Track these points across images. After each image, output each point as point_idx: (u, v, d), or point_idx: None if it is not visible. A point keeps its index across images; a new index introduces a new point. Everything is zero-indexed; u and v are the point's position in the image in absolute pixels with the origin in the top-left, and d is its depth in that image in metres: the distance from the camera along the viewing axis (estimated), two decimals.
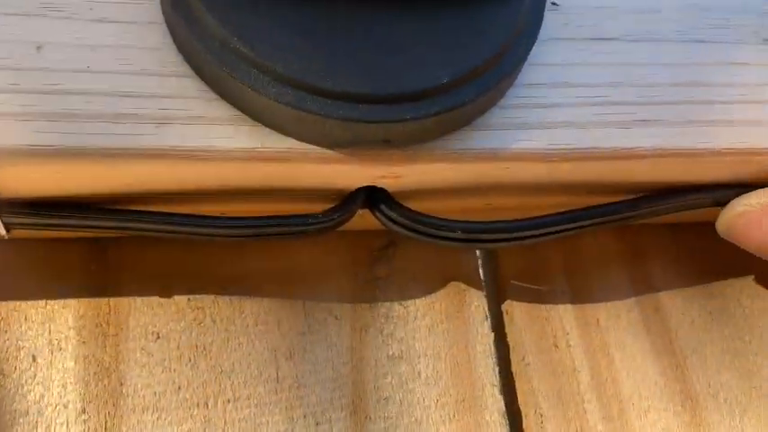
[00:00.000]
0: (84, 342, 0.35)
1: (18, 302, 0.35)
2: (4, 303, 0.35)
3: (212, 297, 0.37)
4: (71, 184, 0.32)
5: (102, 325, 0.36)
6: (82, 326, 0.35)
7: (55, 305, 0.36)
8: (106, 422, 0.34)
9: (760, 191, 0.38)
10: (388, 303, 0.39)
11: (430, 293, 0.39)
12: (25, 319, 0.35)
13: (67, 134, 0.30)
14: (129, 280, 0.37)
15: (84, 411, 0.34)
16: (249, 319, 0.37)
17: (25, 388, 0.34)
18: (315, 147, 0.32)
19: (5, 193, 0.32)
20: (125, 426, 0.34)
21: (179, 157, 0.31)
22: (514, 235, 0.37)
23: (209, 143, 0.31)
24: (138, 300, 0.36)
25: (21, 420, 0.33)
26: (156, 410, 0.34)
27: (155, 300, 0.37)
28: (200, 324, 0.36)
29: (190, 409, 0.35)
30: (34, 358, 0.34)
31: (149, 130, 0.31)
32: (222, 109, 0.31)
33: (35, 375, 0.34)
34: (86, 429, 0.33)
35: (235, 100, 0.31)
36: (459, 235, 0.36)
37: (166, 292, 0.37)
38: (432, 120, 0.32)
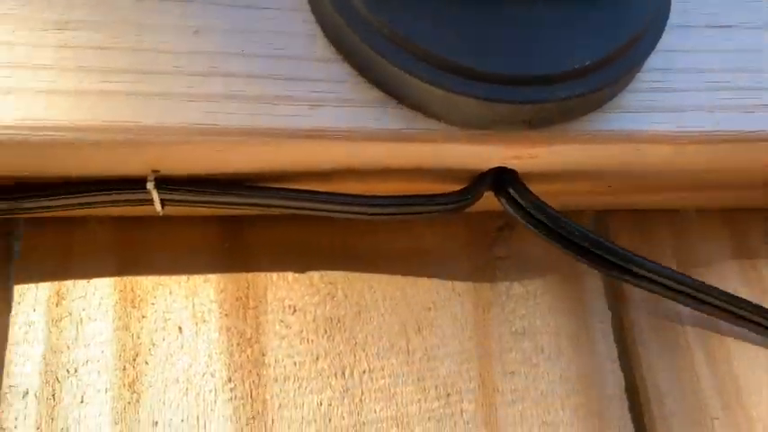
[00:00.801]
0: (226, 314, 0.37)
1: (162, 277, 0.37)
2: (150, 278, 0.37)
3: (343, 273, 0.39)
4: (227, 162, 0.33)
5: (242, 298, 0.37)
6: (223, 299, 0.37)
7: (197, 280, 0.37)
8: (251, 390, 0.35)
9: None
10: (507, 282, 0.40)
11: (548, 273, 0.41)
12: (170, 293, 0.37)
13: (231, 114, 0.32)
14: (265, 256, 0.38)
15: (230, 380, 0.35)
16: (378, 294, 0.38)
17: (174, 357, 0.36)
18: (457, 128, 0.33)
19: (165, 170, 0.33)
20: (268, 394, 0.36)
21: (332, 137, 0.32)
22: (637, 271, 0.37)
23: (360, 124, 0.32)
24: (274, 275, 0.38)
25: (172, 387, 0.35)
26: (297, 379, 0.36)
27: (290, 275, 0.38)
28: (333, 298, 0.38)
29: (328, 378, 0.36)
30: (180, 329, 0.36)
31: (304, 111, 0.32)
32: (370, 92, 0.33)
33: (182, 346, 0.36)
34: (233, 397, 0.35)
35: (383, 83, 0.33)
36: (577, 239, 0.36)
37: (300, 267, 0.38)
38: (572, 102, 0.33)
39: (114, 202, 0.34)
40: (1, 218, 0.36)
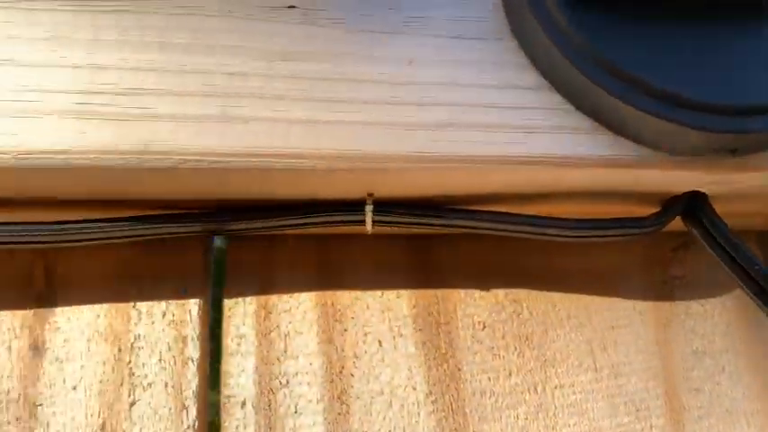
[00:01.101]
0: (420, 329, 0.38)
1: (359, 292, 0.39)
2: (348, 293, 0.39)
3: (525, 291, 0.40)
4: (440, 186, 0.35)
5: (433, 314, 0.39)
6: (416, 314, 0.39)
7: (390, 295, 0.39)
8: (451, 404, 0.37)
9: None
10: (685, 301, 0.41)
11: (724, 292, 0.41)
12: (367, 307, 0.39)
13: (451, 142, 0.33)
14: (452, 274, 0.40)
15: (430, 393, 0.37)
16: (562, 312, 0.40)
17: (377, 370, 0.37)
18: (665, 154, 0.34)
19: (379, 194, 0.35)
20: (468, 407, 0.37)
21: (546, 163, 0.33)
22: None
23: (574, 151, 0.34)
24: (462, 292, 0.39)
25: (378, 399, 0.37)
26: (493, 394, 0.37)
27: (476, 293, 0.40)
28: (518, 316, 0.39)
29: (522, 393, 0.38)
30: (380, 343, 0.38)
31: (519, 138, 0.34)
32: (581, 120, 0.34)
33: (383, 359, 0.38)
34: (435, 410, 0.37)
35: (594, 110, 0.34)
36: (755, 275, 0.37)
37: (485, 285, 0.40)
38: None
39: (327, 223, 0.36)
40: (208, 236, 0.38)
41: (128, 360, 0.36)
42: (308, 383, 0.37)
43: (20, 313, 0.36)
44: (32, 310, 0.37)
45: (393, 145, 0.33)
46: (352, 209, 0.35)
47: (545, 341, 0.39)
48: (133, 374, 0.36)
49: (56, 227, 0.34)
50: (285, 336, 0.38)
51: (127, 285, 0.37)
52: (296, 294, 0.38)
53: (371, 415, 0.36)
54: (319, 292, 0.39)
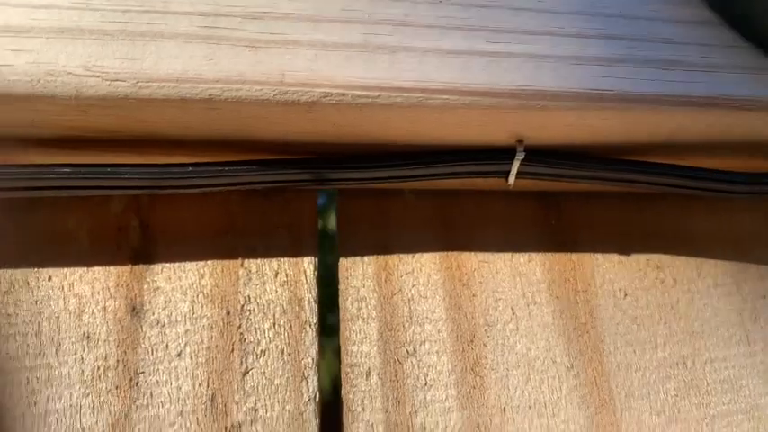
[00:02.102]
0: (556, 297, 0.35)
1: (486, 254, 0.35)
2: (474, 254, 0.35)
3: (668, 256, 0.36)
4: (594, 132, 0.31)
5: (569, 280, 0.35)
6: (551, 280, 0.35)
7: (520, 258, 0.35)
8: (595, 378, 0.33)
9: None
10: None
11: None
12: (496, 271, 0.35)
13: (621, 79, 0.29)
14: (587, 235, 0.36)
15: (572, 367, 0.33)
16: (708, 280, 0.36)
17: (511, 340, 0.34)
18: None
19: (530, 141, 0.31)
20: (613, 382, 0.33)
21: (726, 106, 0.30)
22: None
23: (757, 93, 0.30)
24: (599, 256, 0.36)
25: (514, 372, 0.33)
26: (639, 368, 0.34)
27: (614, 256, 0.36)
28: (662, 283, 0.36)
29: (670, 368, 0.34)
30: (513, 311, 0.34)
31: (699, 77, 0.30)
32: (762, 60, 0.30)
33: (517, 328, 0.34)
34: (578, 384, 0.33)
35: None
36: None
37: (624, 248, 0.36)
38: None
39: (465, 174, 0.32)
40: (321, 187, 0.34)
41: (238, 324, 0.32)
42: (437, 352, 0.33)
43: (114, 271, 0.32)
44: (128, 267, 0.32)
45: (557, 81, 0.29)
46: (498, 157, 0.31)
47: (691, 311, 0.35)
48: (244, 340, 0.32)
49: (157, 170, 0.30)
50: (409, 300, 0.34)
51: (233, 241, 0.33)
52: (417, 255, 0.34)
53: (508, 389, 0.33)
54: (442, 253, 0.35)
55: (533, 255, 0.35)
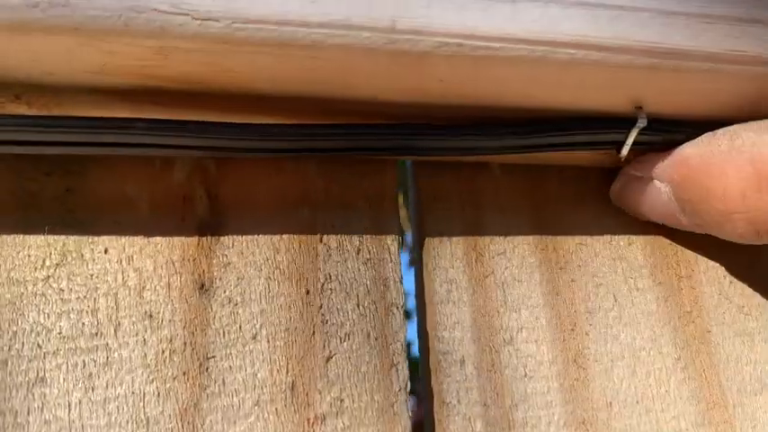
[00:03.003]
0: (660, 283, 0.32)
1: (584, 236, 0.32)
2: (569, 236, 0.32)
3: None
4: (710, 99, 0.28)
5: (672, 265, 0.32)
6: (653, 265, 0.32)
7: (620, 240, 0.32)
8: (703, 371, 0.31)
9: None
10: None
11: None
12: (595, 254, 0.32)
13: (756, 40, 0.27)
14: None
15: (679, 359, 0.31)
16: None
17: (614, 329, 0.31)
18: None
19: (649, 109, 0.28)
20: (723, 376, 0.31)
21: None
22: None
23: None
24: (701, 238, 0.33)
25: (618, 363, 0.30)
26: (750, 362, 0.31)
27: (715, 241, 0.33)
28: (766, 268, 0.33)
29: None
30: (615, 298, 0.31)
31: None
32: None
33: (620, 316, 0.31)
34: (687, 378, 0.30)
35: None
36: None
37: None
38: None
39: (579, 145, 0.29)
40: (408, 156, 0.31)
41: (319, 304, 0.29)
42: (536, 341, 0.30)
43: (179, 243, 0.29)
44: (195, 239, 0.29)
45: (689, 39, 0.26)
46: (617, 125, 0.28)
47: None
48: (326, 322, 0.29)
49: (232, 129, 0.27)
50: (503, 284, 0.31)
51: (309, 214, 0.30)
52: (509, 235, 0.31)
53: (614, 382, 0.30)
54: (537, 235, 0.32)
55: (633, 237, 0.33)
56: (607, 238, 0.32)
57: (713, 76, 0.26)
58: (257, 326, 0.28)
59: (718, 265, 0.33)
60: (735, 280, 0.32)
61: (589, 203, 0.33)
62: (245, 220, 0.30)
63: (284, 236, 0.30)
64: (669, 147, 0.29)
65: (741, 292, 0.32)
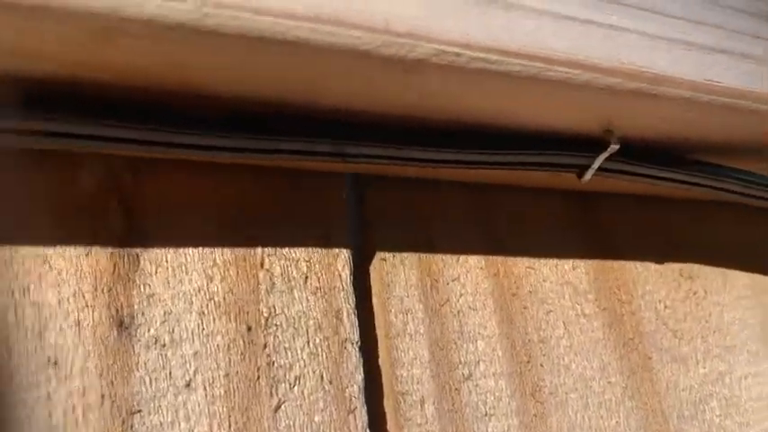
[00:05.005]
0: (604, 309, 0.31)
1: (532, 260, 0.31)
2: (520, 259, 0.30)
3: (698, 266, 0.34)
4: (679, 126, 0.28)
5: (614, 291, 0.32)
6: (597, 290, 0.31)
7: (565, 265, 0.31)
8: (648, 399, 0.30)
9: None
10: None
11: None
12: (543, 279, 0.30)
13: (733, 71, 0.26)
14: (625, 241, 0.33)
15: (627, 387, 0.30)
16: (734, 293, 0.35)
17: (566, 359, 0.29)
18: None
19: (619, 132, 0.27)
20: (665, 404, 0.30)
21: None
22: None
23: None
24: (638, 264, 0.33)
25: (572, 395, 0.29)
26: (690, 389, 0.31)
27: (651, 266, 0.33)
28: (694, 294, 0.34)
29: (712, 385, 0.32)
30: (565, 325, 0.30)
31: None
32: None
33: (571, 345, 0.30)
34: (634, 407, 0.30)
35: None
36: None
37: (659, 256, 0.33)
38: None
39: (546, 166, 0.27)
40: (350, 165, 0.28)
41: (263, 343, 0.24)
42: (494, 375, 0.28)
43: (89, 269, 0.23)
44: (110, 264, 0.24)
45: (672, 65, 0.25)
46: (586, 148, 0.27)
47: (722, 324, 0.34)
48: (273, 364, 0.24)
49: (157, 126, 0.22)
50: (458, 312, 0.28)
51: (247, 233, 0.26)
52: (461, 258, 0.29)
53: (569, 415, 0.28)
54: (488, 257, 0.30)
55: (577, 262, 0.32)
56: (553, 261, 0.31)
57: (687, 105, 0.26)
58: (191, 371, 0.23)
59: (653, 289, 0.33)
60: (668, 304, 0.33)
61: (533, 224, 0.31)
62: (170, 240, 0.25)
63: (218, 259, 0.25)
64: (633, 175, 0.28)
65: (674, 316, 0.33)
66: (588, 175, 0.28)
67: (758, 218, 0.37)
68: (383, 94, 0.23)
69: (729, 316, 0.34)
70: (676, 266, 0.34)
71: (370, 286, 0.27)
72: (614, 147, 0.27)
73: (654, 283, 0.33)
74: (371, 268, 0.28)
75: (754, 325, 0.35)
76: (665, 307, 0.33)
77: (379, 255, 0.28)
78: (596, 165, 0.27)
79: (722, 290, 0.35)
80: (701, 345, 0.33)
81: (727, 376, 0.33)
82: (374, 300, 0.27)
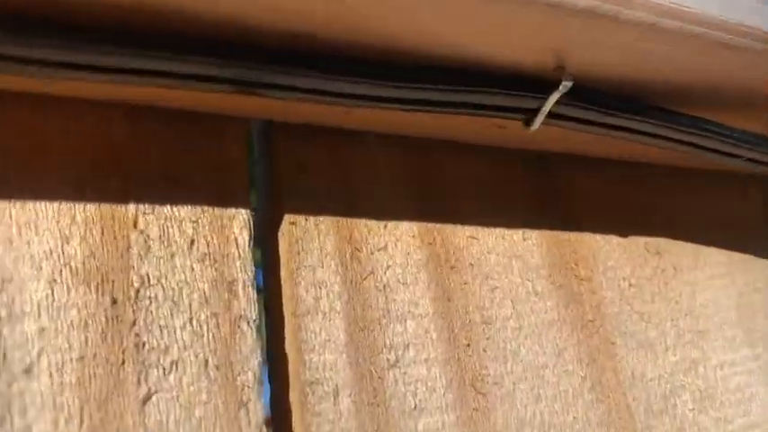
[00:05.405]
0: (559, 286, 0.27)
1: (475, 228, 0.26)
2: (460, 228, 0.26)
3: (665, 240, 0.30)
4: (637, 62, 0.24)
5: (571, 266, 0.27)
6: (551, 265, 0.27)
7: (514, 236, 0.27)
8: (610, 390, 0.26)
9: None
10: None
11: None
12: (488, 251, 0.26)
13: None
14: (583, 210, 0.29)
15: (585, 378, 0.25)
16: (707, 271, 0.31)
17: (514, 343, 0.25)
18: None
19: (571, 68, 0.23)
20: (629, 395, 0.26)
21: None
22: None
23: None
24: (599, 237, 0.29)
25: (521, 385, 0.24)
26: (654, 377, 0.27)
27: (614, 239, 0.29)
28: (663, 272, 0.29)
29: (684, 375, 0.28)
30: (513, 304, 0.25)
31: None
32: None
33: (520, 327, 0.25)
34: (593, 400, 0.25)
35: None
36: None
37: (623, 229, 0.29)
38: None
39: (487, 108, 0.23)
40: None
41: (131, 320, 0.20)
42: (426, 361, 0.23)
43: None
44: None
45: None
46: (535, 87, 0.23)
47: (694, 306, 0.30)
48: (143, 346, 0.19)
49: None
50: (384, 287, 0.23)
51: (119, 186, 0.21)
52: (390, 224, 0.25)
53: (517, 409, 0.24)
54: (422, 224, 0.25)
55: (529, 232, 0.27)
56: (499, 231, 0.27)
57: (649, 33, 0.22)
58: (33, 353, 0.18)
59: (616, 265, 0.28)
60: (633, 282, 0.28)
61: (477, 189, 0.27)
62: (15, 191, 0.20)
63: (78, 216, 0.20)
64: (588, 124, 0.24)
65: (640, 296, 0.28)
66: (537, 123, 0.23)
67: (734, 187, 0.33)
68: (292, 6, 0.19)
69: (702, 297, 0.30)
70: (642, 240, 0.30)
71: (276, 254, 0.23)
72: (567, 84, 0.22)
73: (617, 258, 0.29)
74: (279, 234, 0.23)
75: (730, 307, 0.30)
76: (630, 285, 0.28)
77: (289, 218, 0.23)
78: (547, 108, 0.23)
79: (694, 267, 0.30)
80: (670, 329, 0.28)
81: (700, 365, 0.28)
82: (282, 271, 0.22)
